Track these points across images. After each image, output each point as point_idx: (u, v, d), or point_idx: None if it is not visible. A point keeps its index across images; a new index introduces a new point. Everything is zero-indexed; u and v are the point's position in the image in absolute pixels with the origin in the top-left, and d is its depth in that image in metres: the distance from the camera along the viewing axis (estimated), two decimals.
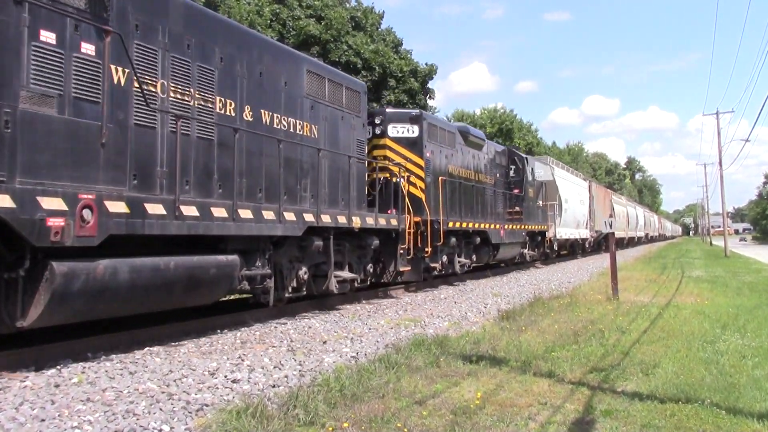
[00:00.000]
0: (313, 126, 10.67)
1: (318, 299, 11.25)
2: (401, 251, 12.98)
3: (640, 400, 5.42)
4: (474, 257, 17.66)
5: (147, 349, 7.31)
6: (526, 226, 21.94)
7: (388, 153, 14.04)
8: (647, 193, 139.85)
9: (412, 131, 14.36)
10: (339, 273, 10.97)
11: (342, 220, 10.86)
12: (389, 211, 12.97)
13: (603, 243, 41.05)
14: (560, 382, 6.06)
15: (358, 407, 5.06)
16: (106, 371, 6.06)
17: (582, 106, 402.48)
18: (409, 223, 13.28)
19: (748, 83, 70.08)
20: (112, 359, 6.69)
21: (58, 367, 6.23)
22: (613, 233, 14.47)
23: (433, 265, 14.62)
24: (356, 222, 11.28)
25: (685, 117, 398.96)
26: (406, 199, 13.39)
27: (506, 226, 19.69)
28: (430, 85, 31.79)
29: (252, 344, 7.74)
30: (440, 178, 15.19)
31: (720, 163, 44.57)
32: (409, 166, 14.03)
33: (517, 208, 21.28)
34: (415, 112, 15.08)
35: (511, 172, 21.70)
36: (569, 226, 29.69)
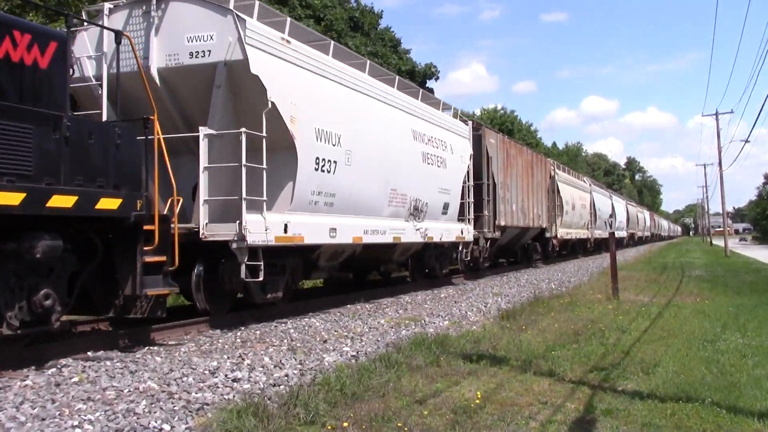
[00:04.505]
0: None
1: None
2: None
3: (640, 399, 5.41)
4: None
5: (147, 348, 7.32)
6: None
7: None
8: (647, 194, 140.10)
9: None
10: None
11: None
12: None
13: (528, 252, 25.26)
14: (561, 381, 6.06)
15: (359, 406, 5.05)
16: (107, 370, 6.07)
17: (581, 106, 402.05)
18: None
19: (748, 84, 70.13)
20: (112, 358, 6.70)
21: (59, 366, 6.24)
22: (614, 233, 14.47)
23: None
24: None
25: (684, 117, 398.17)
26: None
27: None
28: (430, 86, 31.77)
29: (252, 343, 7.74)
30: None
31: (720, 164, 44.63)
32: None
33: None
34: None
35: None
36: (356, 211, 11.37)
